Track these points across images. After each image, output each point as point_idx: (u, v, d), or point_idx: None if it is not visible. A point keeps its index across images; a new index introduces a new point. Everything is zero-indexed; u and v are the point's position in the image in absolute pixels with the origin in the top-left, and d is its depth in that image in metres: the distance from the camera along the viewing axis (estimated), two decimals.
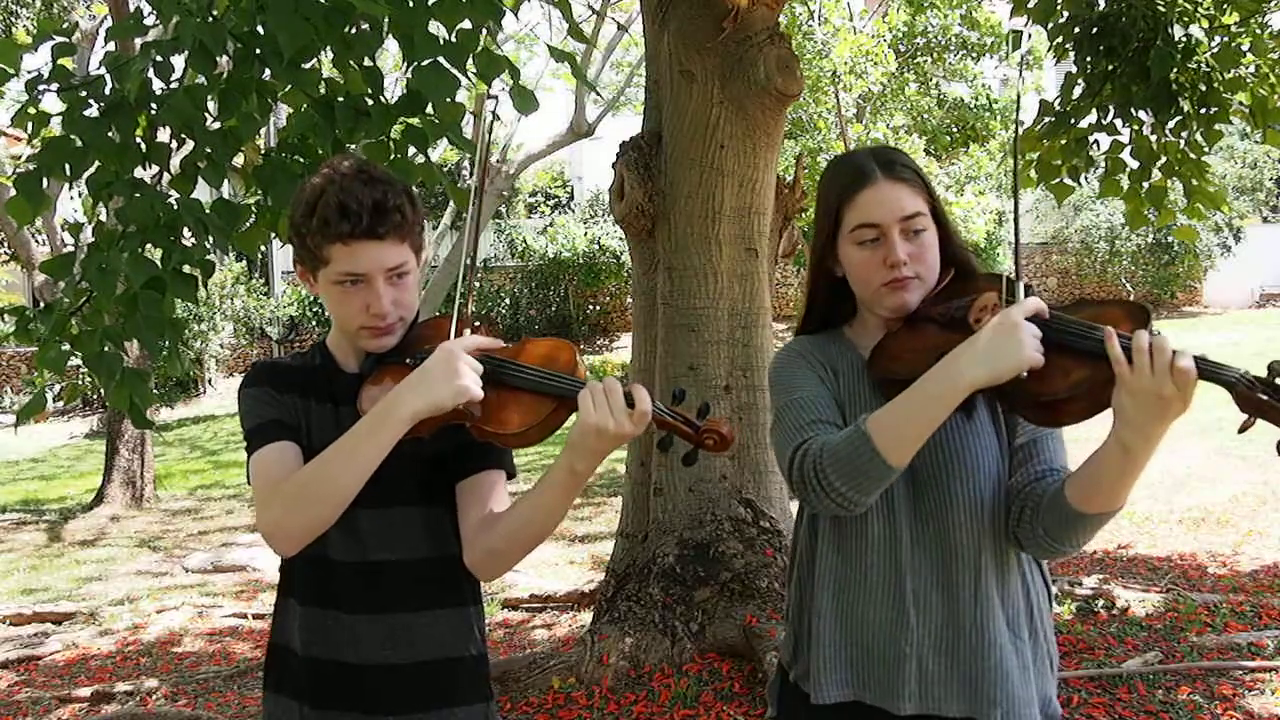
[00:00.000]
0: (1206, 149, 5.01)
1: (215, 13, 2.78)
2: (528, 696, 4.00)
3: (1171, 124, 4.95)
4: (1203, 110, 4.86)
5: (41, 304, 3.36)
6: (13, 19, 11.84)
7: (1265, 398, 1.33)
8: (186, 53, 2.72)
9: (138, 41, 3.74)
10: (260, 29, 2.78)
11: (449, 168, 19.04)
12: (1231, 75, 4.79)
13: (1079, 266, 19.42)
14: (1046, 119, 5.17)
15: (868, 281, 1.66)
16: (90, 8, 12.22)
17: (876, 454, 1.50)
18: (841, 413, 1.66)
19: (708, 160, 4.14)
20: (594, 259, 19.35)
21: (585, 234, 19.57)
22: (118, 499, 10.56)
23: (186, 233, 2.99)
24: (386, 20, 2.58)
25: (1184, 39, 4.70)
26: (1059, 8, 4.99)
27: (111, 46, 3.51)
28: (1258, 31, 4.85)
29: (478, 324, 1.64)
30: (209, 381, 18.43)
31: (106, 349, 3.02)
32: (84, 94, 2.86)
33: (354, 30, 2.76)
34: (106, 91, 2.88)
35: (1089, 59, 4.99)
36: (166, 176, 3.07)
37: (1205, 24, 4.77)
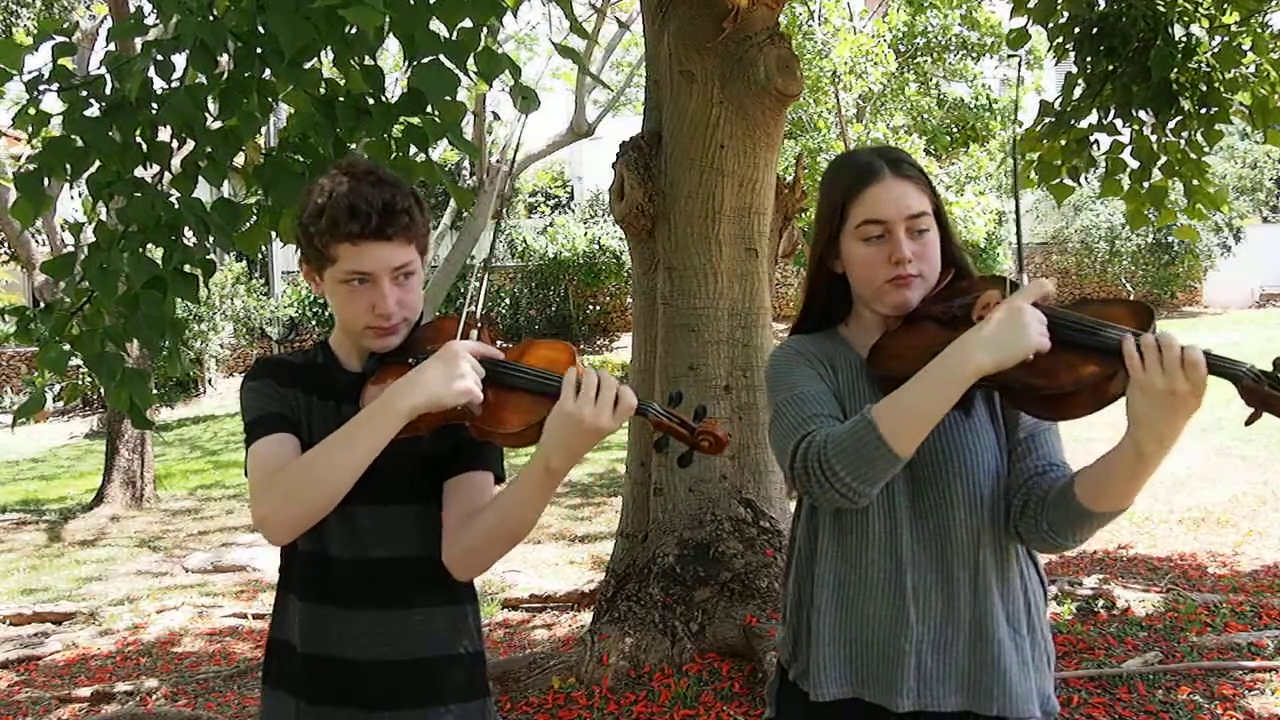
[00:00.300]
0: (1207, 149, 5.01)
1: (216, 12, 2.78)
2: (528, 696, 4.00)
3: (1172, 124, 4.95)
4: (1203, 110, 4.86)
5: (42, 304, 3.36)
6: (13, 19, 11.84)
7: (1272, 391, 1.34)
8: (187, 52, 2.72)
9: (138, 41, 3.74)
10: (261, 28, 2.78)
11: (449, 167, 19.04)
12: (1231, 75, 4.79)
13: (1079, 266, 19.43)
14: (1047, 119, 5.17)
15: (871, 278, 1.66)
16: (90, 7, 12.22)
17: (883, 442, 1.49)
18: (842, 409, 1.66)
19: (708, 160, 4.14)
20: (594, 259, 19.35)
21: (585, 234, 19.57)
22: (118, 499, 10.56)
23: (187, 232, 2.99)
24: (387, 20, 2.58)
25: (1184, 39, 4.70)
26: (1059, 8, 4.99)
27: (112, 46, 3.51)
28: (1258, 31, 4.85)
29: (480, 325, 1.65)
30: (209, 381, 18.43)
31: (107, 349, 3.02)
32: (85, 94, 2.86)
33: (354, 30, 2.76)
34: (107, 91, 2.88)
35: (1089, 59, 4.99)
36: (167, 176, 3.07)
37: (1205, 23, 4.77)
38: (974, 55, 16.52)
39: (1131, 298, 18.35)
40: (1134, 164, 5.11)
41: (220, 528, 9.69)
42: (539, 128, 14.91)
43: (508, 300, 19.98)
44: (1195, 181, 5.04)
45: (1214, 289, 19.10)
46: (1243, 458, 8.39)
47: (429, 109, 2.85)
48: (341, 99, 2.90)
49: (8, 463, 14.65)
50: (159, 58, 2.80)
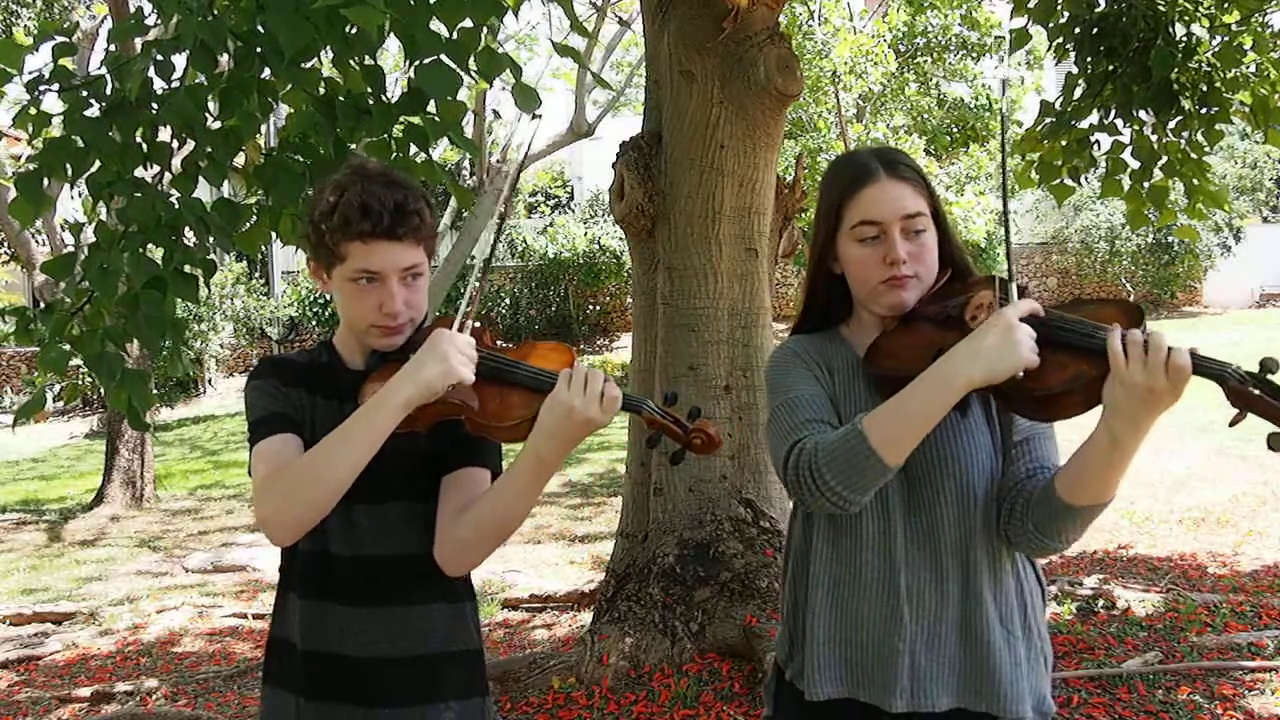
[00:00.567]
0: (1208, 149, 5.00)
1: (215, 12, 2.78)
2: (528, 696, 4.00)
3: (1172, 124, 4.94)
4: (1203, 110, 4.86)
5: (42, 304, 3.36)
6: (13, 19, 11.84)
7: (1256, 392, 1.34)
8: (187, 52, 2.72)
9: (138, 41, 3.74)
10: (261, 28, 2.78)
11: (449, 167, 19.04)
12: (1232, 74, 4.79)
13: (1079, 266, 19.42)
14: (1047, 119, 5.17)
15: (866, 279, 1.67)
16: (90, 7, 12.22)
17: (873, 453, 1.51)
18: (836, 411, 1.67)
19: (708, 160, 4.14)
20: (594, 259, 19.35)
21: (585, 234, 19.57)
22: (118, 499, 10.56)
23: (188, 232, 2.99)
24: (388, 20, 2.58)
25: (1185, 38, 4.70)
26: (1059, 8, 4.98)
27: (112, 47, 3.51)
28: (1259, 30, 4.85)
29: (477, 325, 1.68)
30: (209, 381, 18.43)
31: (107, 350, 3.02)
32: (85, 94, 2.86)
33: (354, 29, 2.76)
34: (107, 91, 2.88)
35: (1089, 59, 4.99)
36: (168, 176, 3.07)
37: (1206, 23, 4.76)
38: (974, 55, 16.51)
39: (1131, 298, 18.37)
40: (1134, 164, 5.10)
41: (220, 528, 9.69)
42: (539, 128, 14.91)
43: (508, 300, 19.97)
44: (1196, 181, 5.04)
45: (1214, 289, 19.10)
46: (1243, 458, 8.39)
47: (429, 108, 2.85)
48: (342, 99, 2.90)
49: (8, 463, 14.65)
50: (159, 58, 2.80)
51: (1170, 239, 17.66)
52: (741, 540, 4.16)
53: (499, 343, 1.69)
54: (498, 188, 13.19)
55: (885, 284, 1.65)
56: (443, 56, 2.67)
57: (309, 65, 2.86)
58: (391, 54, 14.22)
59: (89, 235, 3.43)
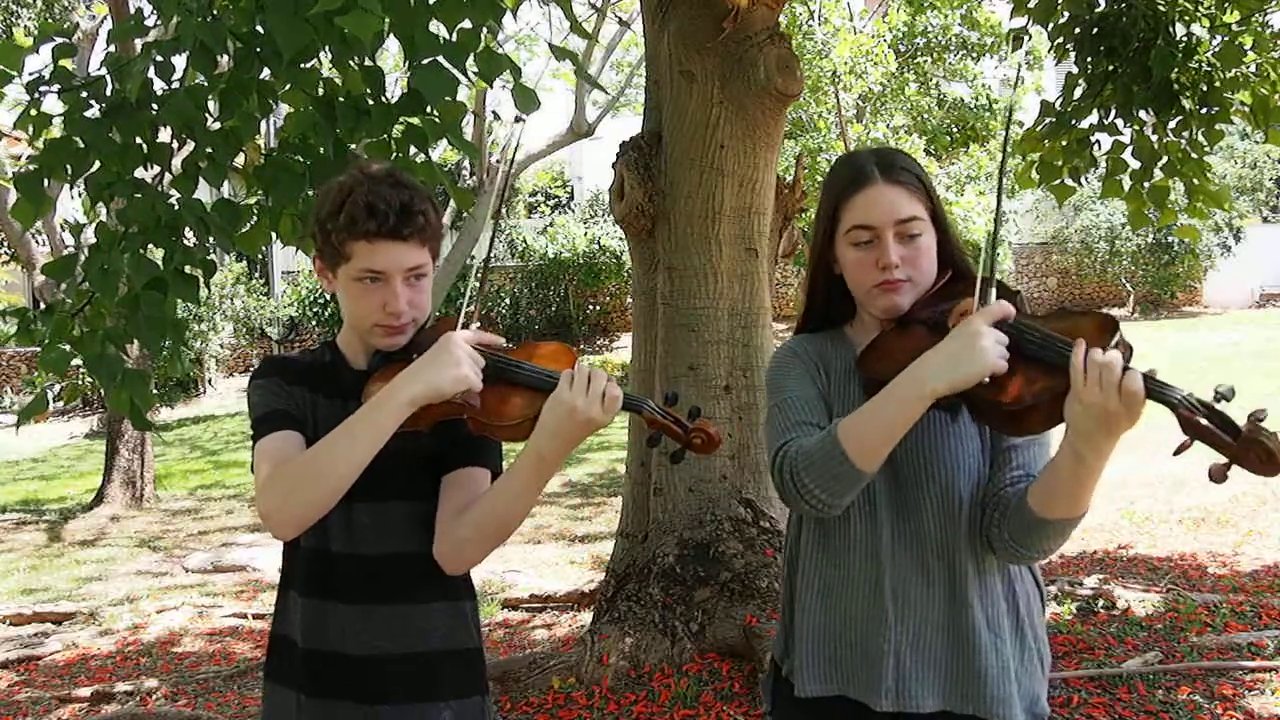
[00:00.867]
0: (1208, 148, 5.00)
1: (215, 13, 2.78)
2: (528, 696, 4.00)
3: (1173, 124, 4.94)
4: (1204, 110, 4.86)
5: (42, 305, 3.36)
6: (13, 19, 11.84)
7: (1205, 422, 1.34)
8: (187, 53, 2.72)
9: (138, 42, 3.74)
10: (260, 28, 2.78)
11: (449, 167, 19.04)
12: (1232, 74, 4.78)
13: (1079, 266, 19.43)
14: (1047, 119, 5.17)
15: (861, 282, 1.68)
16: (90, 8, 12.22)
17: (847, 458, 1.53)
18: (830, 412, 1.68)
19: (708, 160, 4.14)
20: (594, 259, 19.35)
21: (585, 234, 19.57)
22: (118, 499, 10.56)
23: (188, 233, 2.99)
24: (386, 22, 2.58)
25: (1185, 38, 4.70)
26: (1059, 8, 4.98)
27: (112, 48, 3.51)
28: (1259, 30, 4.85)
29: (479, 324, 1.69)
30: (209, 381, 18.43)
31: (108, 350, 3.02)
32: (85, 95, 2.86)
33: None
34: (107, 92, 2.88)
35: (1089, 59, 4.99)
36: (167, 177, 3.08)
37: (1206, 23, 4.76)
38: (974, 55, 16.51)
39: (1131, 298, 18.34)
40: (1135, 164, 5.10)
41: (220, 528, 9.70)
42: (539, 128, 14.92)
43: (508, 300, 19.97)
44: (1196, 181, 5.04)
45: (1214, 289, 19.10)
46: None
47: (429, 110, 2.85)
48: (341, 99, 2.90)
49: (8, 463, 14.65)
50: (159, 59, 2.80)
51: (1170, 239, 17.65)
52: (741, 540, 4.16)
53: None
54: (498, 188, 13.20)
55: (878, 288, 1.65)
56: (440, 59, 2.67)
57: (308, 66, 2.86)
58: (392, 54, 14.22)
59: (89, 236, 3.43)
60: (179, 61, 2.80)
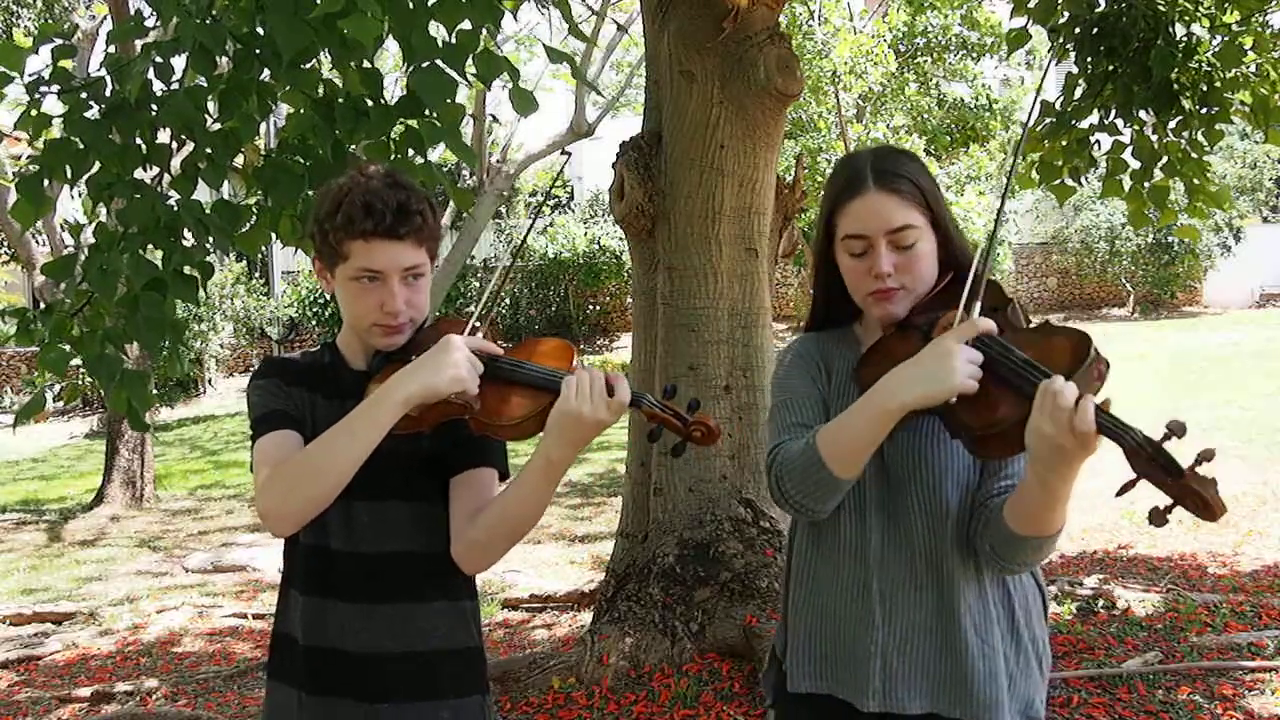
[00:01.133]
0: (1208, 148, 5.00)
1: (215, 14, 2.78)
2: (528, 696, 4.00)
3: (1173, 124, 4.94)
4: (1204, 110, 4.86)
5: (42, 305, 3.36)
6: (14, 19, 11.84)
7: (1151, 463, 1.33)
8: (187, 54, 2.72)
9: (138, 42, 3.74)
10: (260, 30, 2.78)
11: (449, 168, 19.04)
12: (1232, 74, 4.78)
13: (1079, 266, 19.43)
14: (1047, 119, 5.17)
15: (856, 289, 1.68)
16: (90, 8, 12.22)
17: (824, 466, 1.55)
18: (828, 415, 1.68)
19: (708, 160, 4.14)
20: (594, 259, 19.35)
21: (585, 234, 19.57)
22: (118, 499, 10.56)
23: (187, 234, 2.99)
24: (385, 26, 2.58)
25: (1185, 38, 4.70)
26: (1059, 8, 4.98)
27: (112, 48, 3.51)
28: (1259, 30, 4.84)
29: (478, 325, 1.69)
30: (209, 381, 18.43)
31: (107, 351, 3.03)
32: (84, 95, 2.86)
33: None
34: (107, 93, 2.88)
35: (1089, 59, 4.98)
36: (167, 178, 3.08)
37: (1206, 23, 4.76)
38: (974, 55, 16.51)
39: (1131, 298, 18.31)
40: (1135, 164, 5.10)
41: (220, 528, 9.70)
42: (539, 128, 14.92)
43: (508, 300, 19.97)
44: (1196, 181, 5.04)
45: (1214, 289, 19.10)
46: (1242, 458, 8.39)
47: (428, 112, 2.85)
48: (340, 101, 2.90)
49: (8, 463, 14.65)
50: (158, 59, 2.80)
51: (1170, 239, 17.65)
52: (741, 540, 4.16)
53: (499, 342, 1.70)
54: (498, 188, 13.20)
55: (872, 296, 1.66)
56: (439, 61, 2.67)
57: (308, 67, 2.86)
58: (392, 54, 14.21)
59: (89, 236, 3.43)
60: (178, 62, 2.80)
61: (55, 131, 2.94)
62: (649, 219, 4.36)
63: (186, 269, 3.00)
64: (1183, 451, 1.32)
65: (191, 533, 9.56)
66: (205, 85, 2.85)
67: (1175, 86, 4.75)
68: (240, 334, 18.66)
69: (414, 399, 1.57)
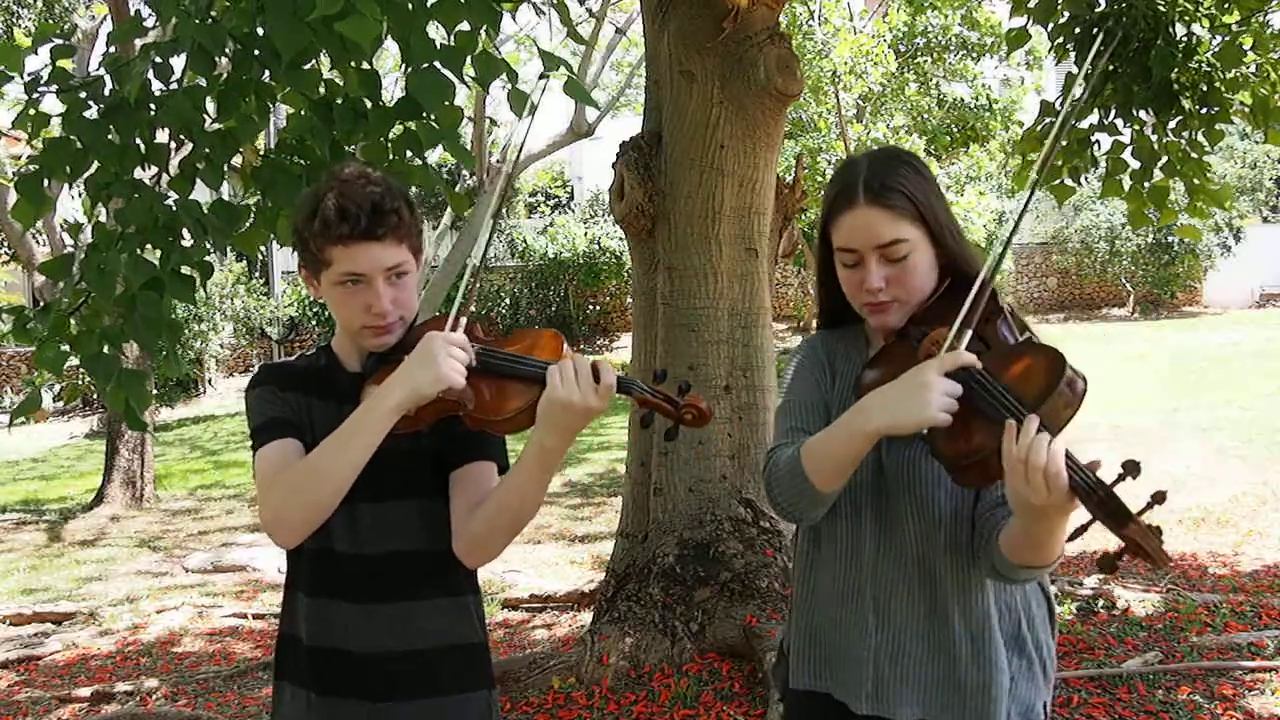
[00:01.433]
0: (1208, 148, 5.00)
1: (214, 14, 2.78)
2: (528, 696, 4.00)
3: (1173, 124, 4.94)
4: (1204, 110, 4.86)
5: (41, 304, 3.36)
6: (14, 19, 11.83)
7: (1101, 506, 1.34)
8: (186, 54, 2.72)
9: (138, 42, 3.74)
10: (259, 30, 2.78)
11: (448, 168, 19.04)
12: (1232, 75, 4.78)
13: (1079, 266, 19.42)
14: (1047, 119, 5.17)
15: (852, 298, 1.68)
16: (90, 8, 12.22)
17: (806, 479, 1.56)
18: (830, 418, 1.69)
19: (708, 160, 4.14)
20: (594, 259, 19.35)
21: (585, 234, 19.57)
22: (118, 499, 10.56)
23: (185, 233, 2.99)
24: (384, 28, 2.58)
25: (1185, 38, 4.69)
26: (1059, 8, 4.98)
27: (112, 48, 3.51)
28: (1259, 30, 4.84)
29: (472, 321, 1.69)
30: (209, 381, 18.43)
31: (105, 350, 3.02)
32: (83, 95, 2.86)
33: None
34: (106, 93, 2.88)
35: (1078, 66, 4.98)
36: (165, 177, 3.08)
37: (1206, 23, 4.76)
38: (974, 55, 16.49)
39: (1131, 298, 18.28)
40: (1135, 164, 5.10)
41: (220, 528, 9.69)
42: (539, 128, 14.90)
43: (508, 300, 19.98)
44: (1197, 181, 5.04)
45: (1214, 289, 19.10)
46: (1242, 458, 8.39)
47: (426, 115, 2.85)
48: (339, 101, 2.90)
49: (8, 463, 14.65)
50: (157, 60, 2.80)
51: (1170, 239, 17.65)
52: (741, 540, 4.16)
53: (490, 336, 1.70)
54: (498, 188, 13.19)
55: (866, 307, 1.66)
56: (437, 64, 2.67)
57: (307, 68, 2.86)
58: (392, 55, 14.20)
59: (88, 236, 3.43)
60: (177, 63, 2.80)
61: (54, 130, 2.94)
62: (649, 219, 4.36)
63: (184, 269, 3.00)
64: (1138, 492, 1.33)
65: (191, 533, 9.56)
66: (204, 85, 2.85)
67: (1175, 86, 4.75)
68: (240, 334, 18.66)
69: (404, 405, 1.58)
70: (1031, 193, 1.68)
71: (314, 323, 19.10)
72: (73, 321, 3.08)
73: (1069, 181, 5.24)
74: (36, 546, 9.45)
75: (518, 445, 1.64)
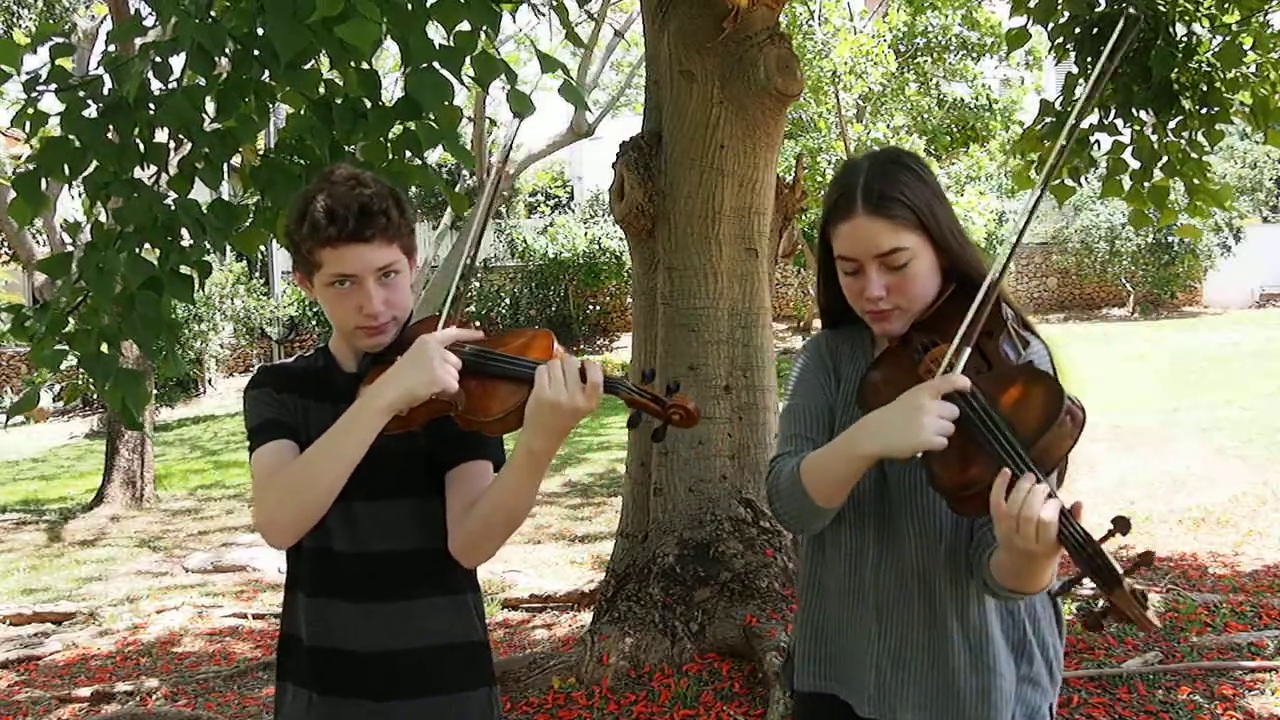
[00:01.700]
0: (1208, 148, 5.00)
1: (214, 14, 2.78)
2: (528, 696, 4.00)
3: (1173, 124, 4.94)
4: (1204, 110, 4.86)
5: (40, 303, 3.36)
6: (14, 19, 11.83)
7: (1089, 563, 1.36)
8: (185, 54, 2.72)
9: (137, 41, 3.74)
10: (259, 30, 2.78)
11: (448, 169, 19.03)
12: (1232, 75, 4.78)
13: (1079, 266, 19.42)
14: (1047, 119, 5.16)
15: (853, 304, 1.67)
16: (90, 8, 12.22)
17: (806, 495, 1.57)
18: (834, 421, 1.70)
19: (708, 160, 4.14)
20: (594, 259, 19.35)
21: (585, 234, 19.57)
22: (118, 499, 10.55)
23: (184, 233, 2.99)
24: (383, 29, 2.58)
25: (1185, 38, 4.69)
26: (1059, 8, 4.98)
27: (112, 48, 3.51)
28: (1259, 29, 4.84)
29: (463, 322, 1.71)
30: (209, 381, 18.43)
31: (103, 349, 3.02)
32: (82, 94, 2.86)
33: None
34: (105, 92, 2.88)
35: (1089, 59, 4.98)
36: (165, 177, 3.08)
37: (1206, 23, 4.76)
38: (974, 55, 16.49)
39: (1131, 298, 18.26)
40: (1135, 164, 5.10)
41: (220, 528, 9.69)
42: (539, 128, 14.90)
43: (508, 300, 19.98)
44: (1197, 181, 5.04)
45: (1214, 289, 19.09)
46: (1242, 458, 8.38)
47: (425, 115, 2.85)
48: (339, 101, 2.90)
49: (8, 463, 14.65)
50: (157, 59, 2.80)
51: (1170, 239, 17.64)
52: (741, 540, 4.16)
53: (481, 336, 1.70)
54: (499, 188, 13.20)
55: (868, 314, 1.65)
56: (436, 64, 2.67)
57: (307, 68, 2.86)
58: (392, 55, 14.20)
59: (87, 235, 3.42)
60: (177, 62, 2.80)
61: (53, 129, 2.93)
62: (649, 219, 4.36)
63: (183, 268, 3.00)
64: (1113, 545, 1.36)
65: (191, 533, 9.55)
66: (203, 85, 2.85)
67: (1175, 86, 4.74)
68: (240, 334, 18.65)
69: (395, 406, 1.58)
70: (1037, 201, 1.66)
71: (314, 323, 19.10)
72: (71, 320, 3.07)
73: (1069, 181, 5.24)
74: (36, 546, 9.45)
75: (515, 443, 1.64)
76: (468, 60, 2.72)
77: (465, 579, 1.80)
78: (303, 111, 2.96)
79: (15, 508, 11.49)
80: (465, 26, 2.72)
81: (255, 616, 6.34)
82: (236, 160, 3.41)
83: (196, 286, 3.04)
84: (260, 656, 5.46)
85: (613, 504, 8.51)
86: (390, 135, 2.95)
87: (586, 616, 5.43)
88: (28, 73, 2.85)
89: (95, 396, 16.55)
